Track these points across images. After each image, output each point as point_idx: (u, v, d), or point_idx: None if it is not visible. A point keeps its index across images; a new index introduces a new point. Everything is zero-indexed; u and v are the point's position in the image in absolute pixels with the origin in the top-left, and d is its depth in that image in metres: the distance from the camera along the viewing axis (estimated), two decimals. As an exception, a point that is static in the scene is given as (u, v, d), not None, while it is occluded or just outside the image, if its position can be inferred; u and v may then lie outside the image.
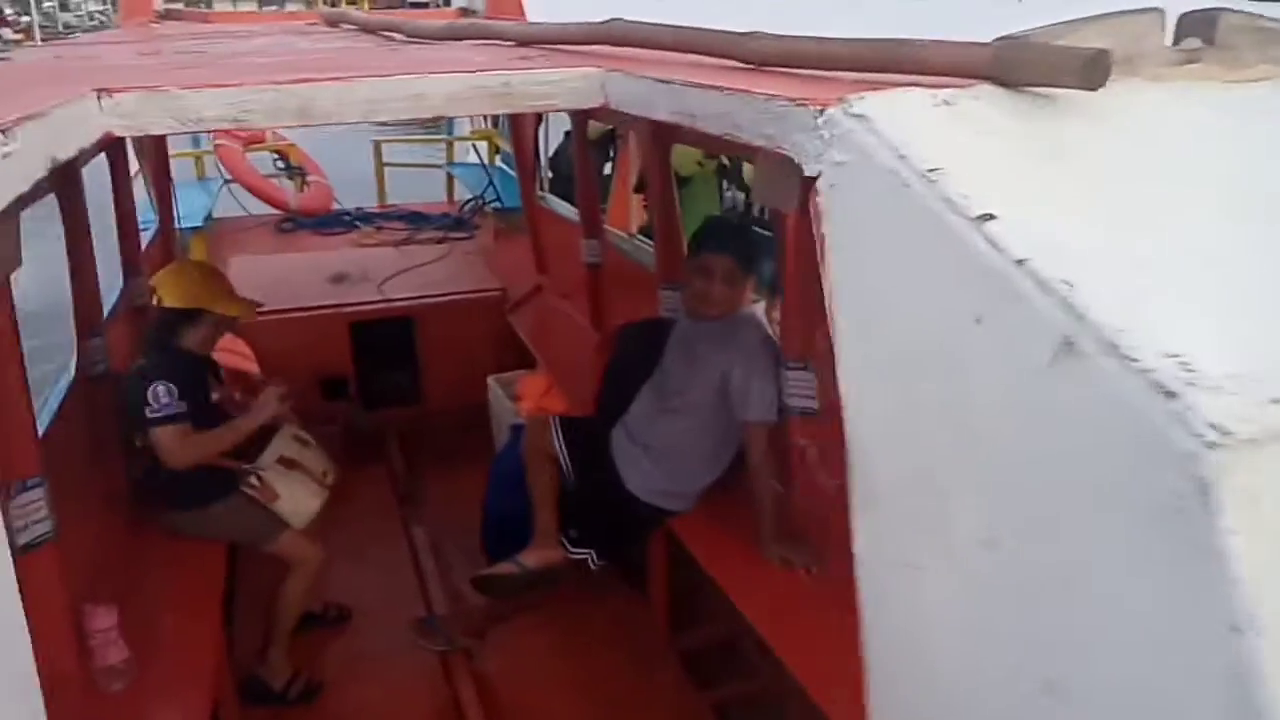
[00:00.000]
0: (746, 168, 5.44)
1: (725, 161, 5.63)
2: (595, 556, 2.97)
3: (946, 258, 0.69)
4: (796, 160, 0.86)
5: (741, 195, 5.96)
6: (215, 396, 3.01)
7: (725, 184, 6.09)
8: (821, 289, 2.30)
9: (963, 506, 0.71)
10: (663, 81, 1.23)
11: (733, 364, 2.71)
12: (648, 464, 2.91)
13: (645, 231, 5.13)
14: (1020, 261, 0.63)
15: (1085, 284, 0.62)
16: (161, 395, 2.71)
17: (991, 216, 0.67)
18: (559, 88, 1.38)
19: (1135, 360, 0.56)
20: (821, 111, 0.86)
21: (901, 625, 0.86)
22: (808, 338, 2.59)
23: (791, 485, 2.76)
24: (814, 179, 0.84)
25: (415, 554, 3.78)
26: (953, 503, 0.72)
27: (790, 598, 2.51)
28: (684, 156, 4.87)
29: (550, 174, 5.76)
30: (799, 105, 0.89)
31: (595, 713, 2.93)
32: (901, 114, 0.81)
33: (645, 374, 3.17)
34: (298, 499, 2.97)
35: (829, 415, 2.60)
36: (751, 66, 1.25)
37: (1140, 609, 0.61)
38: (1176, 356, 0.57)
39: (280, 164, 7.67)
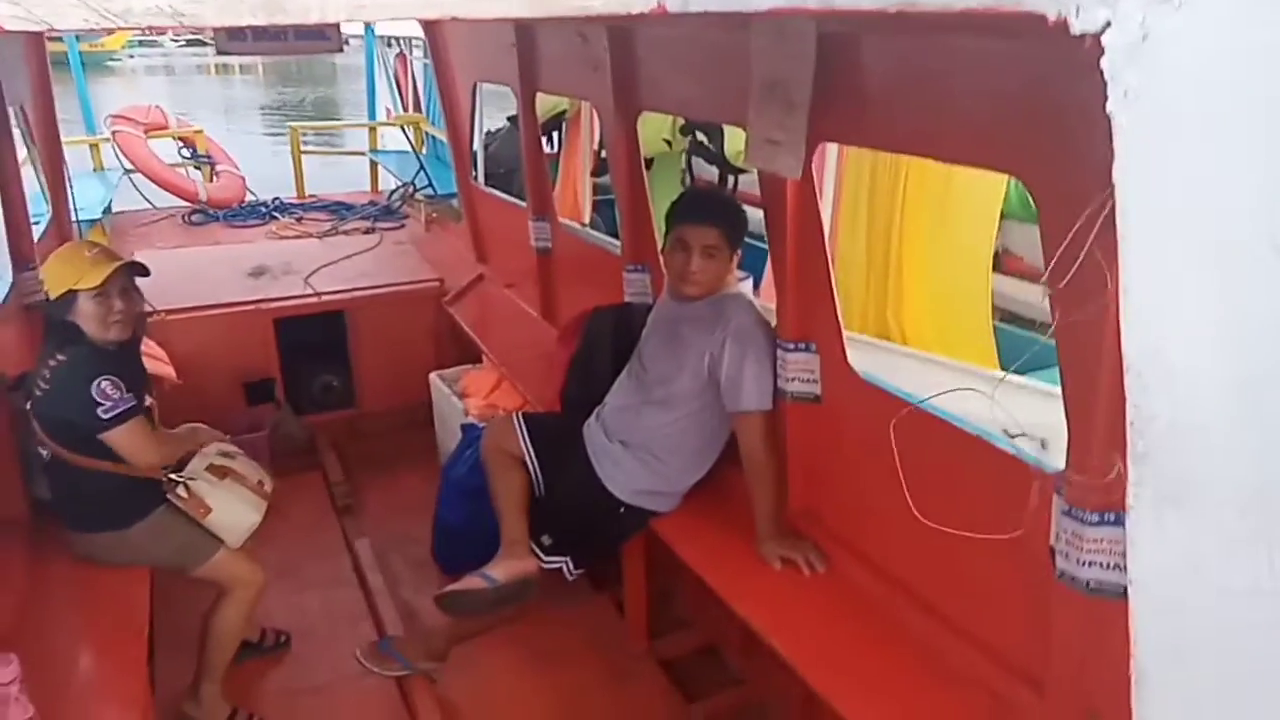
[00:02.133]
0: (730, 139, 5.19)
1: (701, 138, 5.37)
2: (571, 565, 2.69)
3: None
4: (1056, 14, 0.56)
5: (716, 170, 5.68)
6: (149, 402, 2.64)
7: (690, 164, 5.83)
8: (819, 258, 2.04)
9: None
10: None
11: (722, 348, 2.46)
12: (631, 462, 2.63)
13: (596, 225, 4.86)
14: None
15: None
16: (109, 392, 2.33)
17: None
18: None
19: None
20: None
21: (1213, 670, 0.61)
22: (808, 315, 2.36)
23: (790, 479, 2.53)
24: (1097, 34, 0.54)
25: (360, 570, 3.43)
26: None
27: (791, 599, 2.30)
28: (650, 135, 4.60)
29: (485, 169, 5.45)
30: None
31: None
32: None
33: (616, 363, 2.91)
34: (234, 512, 2.60)
35: (832, 402, 2.38)
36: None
37: None
38: None
39: (186, 152, 7.16)
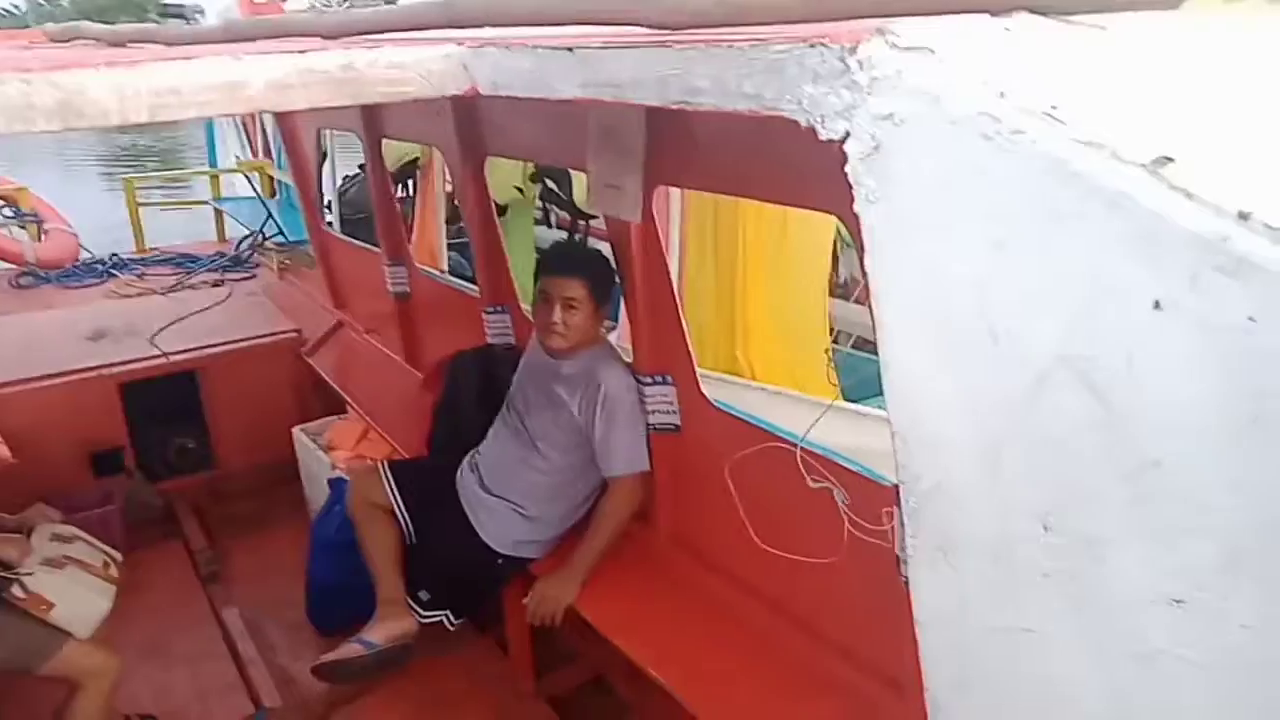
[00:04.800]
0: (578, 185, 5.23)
1: (550, 184, 5.40)
2: (451, 616, 2.67)
3: (1100, 224, 0.51)
4: (805, 122, 0.64)
5: (568, 216, 5.70)
6: None
7: (546, 210, 5.85)
8: (667, 295, 2.12)
9: (1131, 559, 0.53)
10: (564, 49, 0.99)
11: (592, 414, 2.48)
12: (508, 514, 2.63)
13: (455, 271, 4.83)
14: (1244, 216, 0.46)
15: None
16: None
17: (1168, 159, 0.49)
18: (414, 71, 1.11)
19: None
20: (852, 49, 0.65)
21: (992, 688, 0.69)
22: (662, 350, 2.44)
23: (656, 509, 2.59)
24: (840, 142, 0.62)
25: (230, 640, 3.30)
26: (1112, 554, 0.54)
27: (669, 626, 2.35)
28: (501, 182, 4.60)
29: (340, 215, 5.36)
30: (810, 45, 0.66)
31: None
32: (974, 42, 0.62)
33: (483, 406, 2.91)
34: (79, 601, 2.47)
35: (691, 431, 2.46)
36: (667, 32, 1.01)
37: None
38: None
39: (9, 212, 6.73)
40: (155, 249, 6.39)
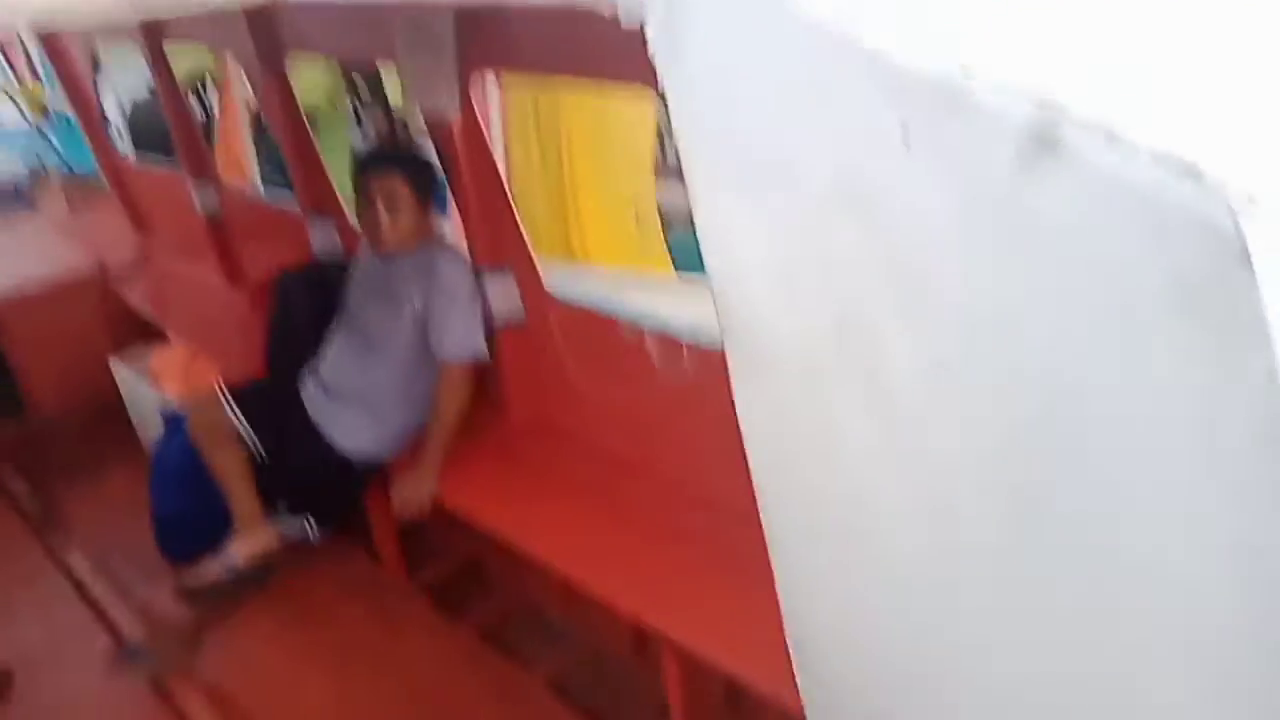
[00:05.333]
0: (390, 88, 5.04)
1: (360, 94, 5.18)
2: (313, 524, 2.71)
3: (858, 75, 0.61)
4: (613, 14, 0.72)
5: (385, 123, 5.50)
6: None
7: (359, 118, 5.61)
8: (496, 186, 2.19)
9: (904, 345, 0.66)
10: None
11: (429, 300, 2.52)
12: (356, 417, 2.66)
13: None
14: (967, 69, 0.57)
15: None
16: None
17: (917, 17, 0.59)
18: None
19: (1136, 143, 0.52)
20: None
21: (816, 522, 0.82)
22: (496, 241, 2.49)
23: (506, 405, 2.69)
24: (641, 30, 0.71)
25: (78, 583, 3.20)
26: (888, 342, 0.66)
27: (535, 503, 2.47)
28: (310, 92, 4.40)
29: (132, 136, 4.99)
30: None
31: (350, 676, 2.71)
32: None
33: (318, 320, 2.89)
34: None
35: (534, 320, 2.54)
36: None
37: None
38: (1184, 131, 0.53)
39: None
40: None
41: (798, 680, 0.92)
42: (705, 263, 0.78)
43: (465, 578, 3.15)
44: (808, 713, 0.94)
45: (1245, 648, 0.59)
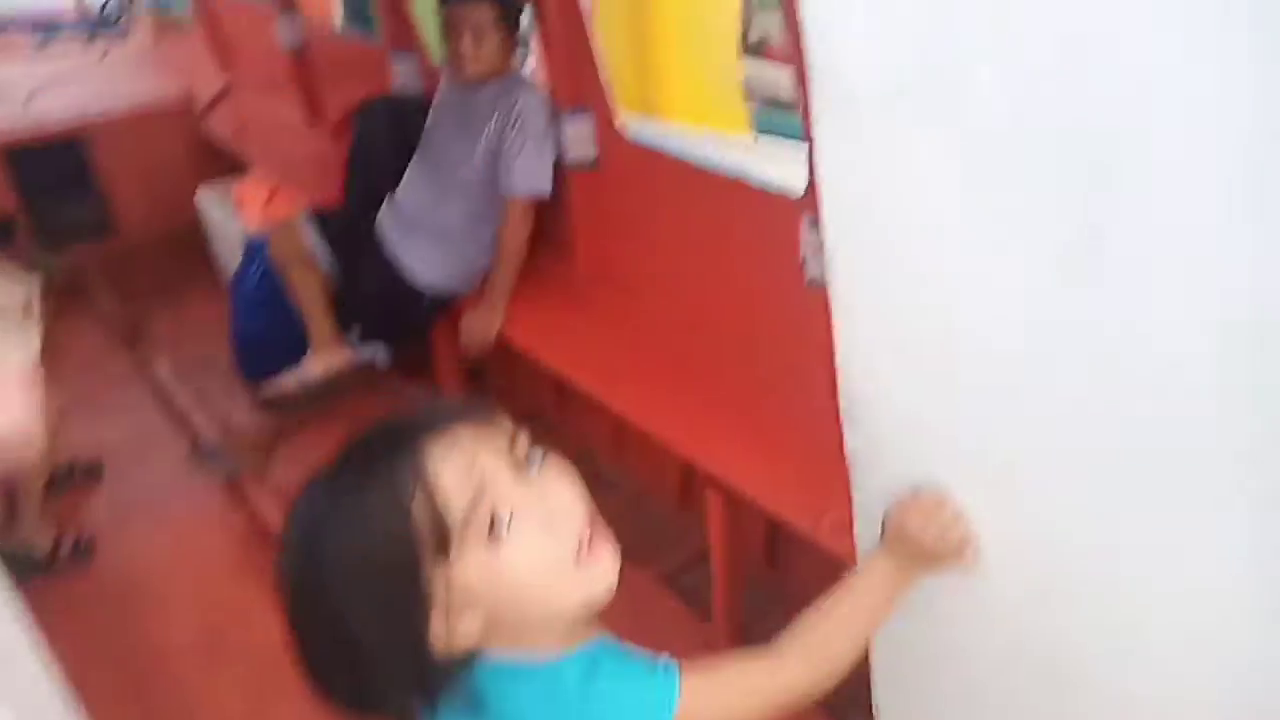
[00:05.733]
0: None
1: None
2: (385, 353, 2.83)
3: None
4: None
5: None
6: None
7: None
8: (580, 27, 2.16)
9: (985, 81, 0.68)
10: None
11: (503, 131, 2.54)
12: (429, 250, 2.72)
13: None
14: None
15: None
16: None
17: None
18: None
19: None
20: None
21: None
22: (577, 83, 2.50)
23: (575, 251, 2.72)
24: None
25: (161, 391, 3.40)
26: (970, 81, 0.68)
27: (595, 349, 2.52)
28: None
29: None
30: None
31: None
32: None
33: (397, 153, 2.93)
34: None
35: (609, 164, 2.56)
36: None
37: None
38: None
39: None
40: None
41: (846, 442, 0.98)
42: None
43: (526, 423, 3.25)
44: (853, 472, 1.00)
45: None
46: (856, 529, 1.05)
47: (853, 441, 0.97)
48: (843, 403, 0.96)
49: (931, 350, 0.86)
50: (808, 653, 0.92)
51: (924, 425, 0.91)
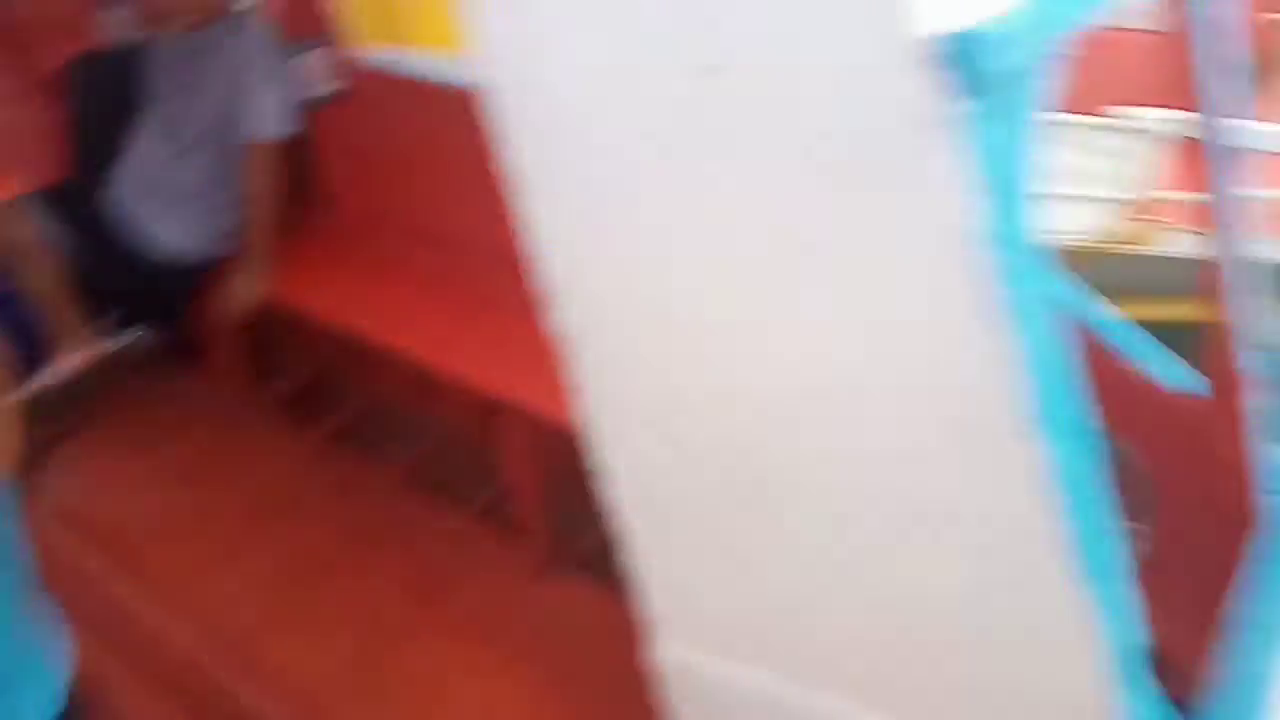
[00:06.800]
0: None
1: None
2: (146, 335, 2.57)
3: None
4: None
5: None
6: None
7: None
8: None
9: None
10: None
11: (232, 75, 2.32)
12: (171, 214, 2.48)
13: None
14: None
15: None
16: None
17: None
18: None
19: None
20: None
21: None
22: (307, 12, 2.28)
23: (334, 193, 2.53)
24: None
25: None
26: None
27: (376, 288, 2.37)
28: None
29: None
30: None
31: (199, 484, 2.64)
32: None
33: (122, 109, 2.62)
34: None
35: (355, 100, 2.37)
36: None
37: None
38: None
39: None
40: None
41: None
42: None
43: (314, 388, 3.06)
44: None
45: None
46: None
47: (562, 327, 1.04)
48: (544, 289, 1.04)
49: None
50: None
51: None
